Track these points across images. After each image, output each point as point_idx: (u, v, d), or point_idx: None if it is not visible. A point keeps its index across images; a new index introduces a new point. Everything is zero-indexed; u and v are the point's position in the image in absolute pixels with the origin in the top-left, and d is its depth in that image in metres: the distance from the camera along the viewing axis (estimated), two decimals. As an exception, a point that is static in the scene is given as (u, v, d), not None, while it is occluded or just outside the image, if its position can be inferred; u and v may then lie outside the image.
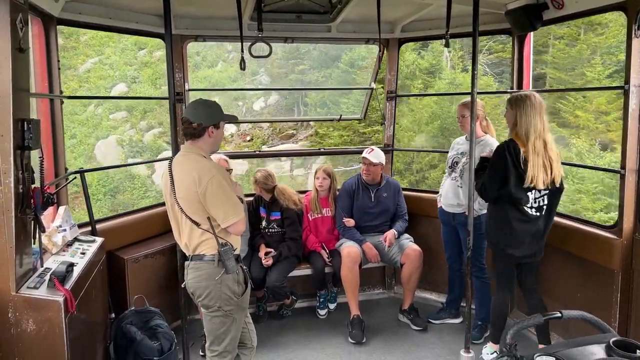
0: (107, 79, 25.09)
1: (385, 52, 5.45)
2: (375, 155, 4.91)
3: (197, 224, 2.95)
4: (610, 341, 1.80)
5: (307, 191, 5.39)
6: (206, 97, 3.34)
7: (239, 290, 3.08)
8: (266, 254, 4.78)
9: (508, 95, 3.97)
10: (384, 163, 4.98)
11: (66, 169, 4.00)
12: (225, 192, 2.92)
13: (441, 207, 4.70)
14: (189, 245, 3.04)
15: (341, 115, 6.19)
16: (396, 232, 4.92)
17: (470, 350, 3.78)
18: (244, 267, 3.19)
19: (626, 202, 3.63)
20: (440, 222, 4.81)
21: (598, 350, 1.81)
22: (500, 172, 3.60)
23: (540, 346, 3.93)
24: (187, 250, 3.07)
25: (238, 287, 3.07)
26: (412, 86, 19.60)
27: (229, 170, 4.41)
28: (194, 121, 2.99)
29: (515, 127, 3.63)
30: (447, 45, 3.92)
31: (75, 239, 3.60)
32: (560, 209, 3.92)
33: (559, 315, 1.98)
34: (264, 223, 5.02)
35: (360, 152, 5.11)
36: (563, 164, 3.68)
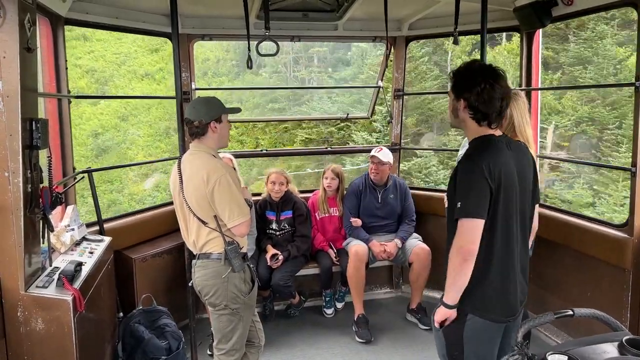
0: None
1: (392, 50, 5.43)
2: (384, 154, 4.88)
3: (205, 223, 2.96)
4: (623, 339, 1.77)
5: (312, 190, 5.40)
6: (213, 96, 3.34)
7: (246, 289, 3.08)
8: (273, 256, 4.77)
9: None
10: (392, 162, 4.96)
11: (74, 169, 4.02)
12: (232, 193, 2.92)
13: None
14: (196, 244, 3.04)
15: (348, 114, 6.17)
16: (399, 242, 4.88)
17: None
18: (251, 266, 3.19)
19: (637, 201, 3.58)
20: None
21: (610, 349, 1.78)
22: None
23: None
24: (195, 248, 3.08)
25: (245, 286, 3.07)
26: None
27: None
28: (195, 119, 2.99)
29: (512, 126, 3.36)
30: (455, 42, 3.89)
31: (84, 238, 3.61)
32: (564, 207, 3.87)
33: (571, 313, 1.96)
34: (274, 225, 5.00)
35: (368, 151, 5.10)
36: (576, 162, 3.63)
